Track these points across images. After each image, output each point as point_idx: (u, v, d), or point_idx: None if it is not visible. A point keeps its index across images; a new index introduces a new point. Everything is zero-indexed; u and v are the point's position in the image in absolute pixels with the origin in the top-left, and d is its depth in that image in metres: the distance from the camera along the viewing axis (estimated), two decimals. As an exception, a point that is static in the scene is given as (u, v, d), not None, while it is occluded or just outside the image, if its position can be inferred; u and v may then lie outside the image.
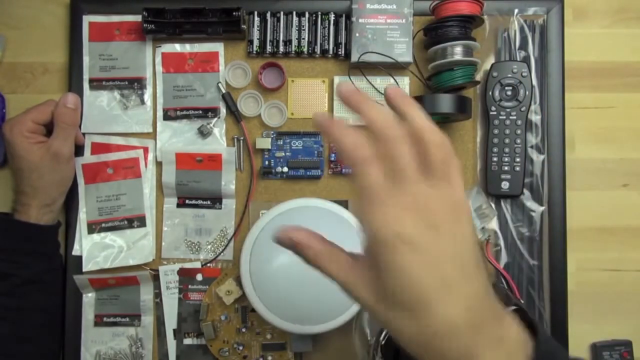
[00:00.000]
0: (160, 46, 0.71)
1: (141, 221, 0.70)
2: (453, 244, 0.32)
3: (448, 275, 0.32)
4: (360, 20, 0.68)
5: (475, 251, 0.34)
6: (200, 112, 0.71)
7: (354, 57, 0.68)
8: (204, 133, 0.70)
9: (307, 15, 0.70)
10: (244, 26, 0.69)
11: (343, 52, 0.70)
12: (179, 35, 0.69)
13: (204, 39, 0.70)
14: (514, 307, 0.59)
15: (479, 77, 0.71)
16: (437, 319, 0.32)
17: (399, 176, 0.33)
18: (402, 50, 0.68)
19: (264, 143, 0.70)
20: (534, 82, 0.70)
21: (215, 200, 0.71)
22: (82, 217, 0.70)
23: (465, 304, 0.32)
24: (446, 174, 0.33)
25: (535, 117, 0.70)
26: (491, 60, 0.71)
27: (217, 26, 0.68)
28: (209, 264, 0.71)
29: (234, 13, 0.68)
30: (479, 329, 0.33)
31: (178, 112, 0.71)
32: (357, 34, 0.68)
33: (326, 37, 0.70)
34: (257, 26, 0.70)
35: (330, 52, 0.70)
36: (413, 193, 0.32)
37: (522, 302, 0.67)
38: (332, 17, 0.70)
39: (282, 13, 0.70)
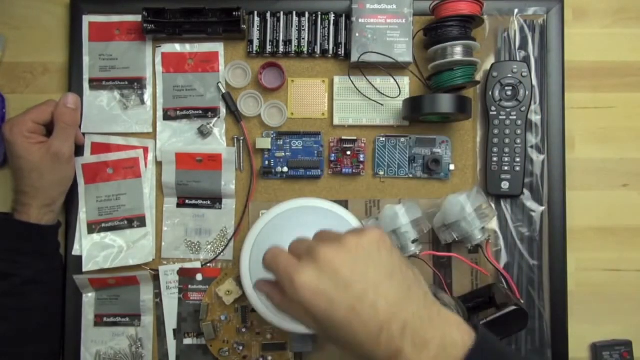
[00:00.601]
0: (160, 46, 0.71)
1: (141, 221, 0.70)
2: (363, 280, 0.40)
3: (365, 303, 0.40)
4: (360, 20, 0.68)
5: (399, 273, 0.41)
6: (200, 112, 0.71)
7: (354, 57, 0.68)
8: (204, 133, 0.70)
9: (307, 15, 0.70)
10: (244, 26, 0.69)
11: (343, 52, 0.70)
12: (178, 35, 0.69)
13: (204, 39, 0.70)
14: (513, 307, 0.60)
15: (479, 77, 0.71)
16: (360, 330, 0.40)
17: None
18: (402, 50, 0.68)
19: (264, 143, 0.70)
20: (534, 82, 0.70)
21: (215, 200, 0.71)
22: (82, 217, 0.70)
23: (388, 318, 0.39)
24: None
25: (535, 117, 0.70)
26: (491, 60, 0.71)
27: (217, 26, 0.68)
28: (209, 264, 0.71)
29: (234, 13, 0.68)
30: (404, 334, 0.39)
31: (178, 112, 0.71)
32: (357, 34, 0.68)
33: (326, 37, 0.70)
34: (257, 26, 0.70)
35: (330, 52, 0.70)
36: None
37: (522, 302, 0.67)
38: (332, 17, 0.70)
39: (282, 13, 0.70)
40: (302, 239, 0.45)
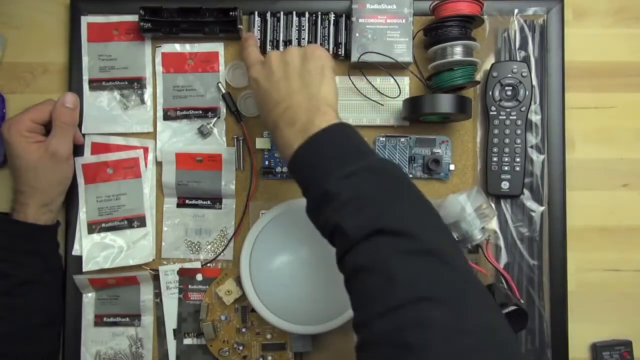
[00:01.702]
0: (160, 46, 0.71)
1: (141, 221, 0.70)
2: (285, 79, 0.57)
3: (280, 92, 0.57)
4: (360, 20, 0.68)
5: (307, 77, 0.56)
6: (200, 112, 0.71)
7: (354, 57, 0.68)
8: (204, 133, 0.70)
9: (307, 15, 0.70)
10: (240, 26, 0.69)
11: (343, 52, 0.70)
12: (175, 34, 0.69)
13: (204, 39, 0.70)
14: (513, 307, 0.60)
15: (479, 77, 0.71)
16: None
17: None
18: (402, 50, 0.68)
19: (264, 143, 0.70)
20: (534, 82, 0.70)
21: (215, 200, 0.71)
22: (82, 217, 0.70)
23: (286, 106, 0.55)
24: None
25: (535, 117, 0.70)
26: (491, 60, 0.71)
27: (213, 26, 0.68)
28: (209, 264, 0.71)
29: (231, 13, 0.68)
30: (285, 113, 0.55)
31: (178, 112, 0.71)
32: (357, 34, 0.68)
33: (326, 37, 0.70)
34: (257, 26, 0.70)
35: (331, 52, 0.70)
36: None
37: (522, 302, 0.67)
38: (332, 17, 0.70)
39: (282, 13, 0.70)
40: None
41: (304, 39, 0.70)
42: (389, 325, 0.40)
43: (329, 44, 0.70)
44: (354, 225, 0.45)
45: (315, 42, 0.70)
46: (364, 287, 0.44)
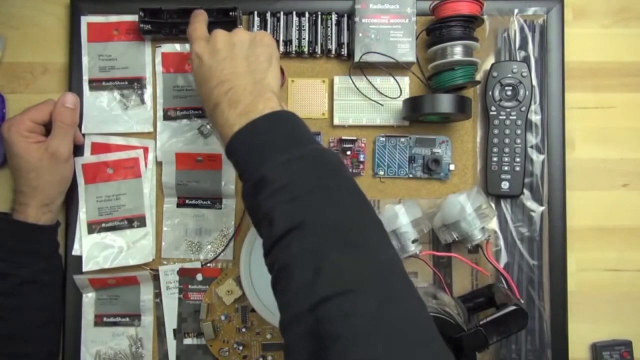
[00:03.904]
0: (160, 46, 0.71)
1: (141, 221, 0.70)
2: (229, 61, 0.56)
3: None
4: (363, 20, 0.68)
5: (253, 61, 0.56)
6: (200, 112, 0.71)
7: (357, 57, 0.68)
8: (204, 133, 0.70)
9: (307, 15, 0.70)
10: (240, 26, 0.69)
11: (346, 52, 0.70)
12: (175, 35, 0.69)
13: (204, 39, 0.70)
14: (513, 307, 0.60)
15: (479, 77, 0.71)
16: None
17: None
18: (406, 50, 0.68)
19: (264, 143, 0.70)
20: (534, 82, 0.70)
21: (215, 200, 0.71)
22: (82, 217, 0.70)
23: (228, 87, 0.54)
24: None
25: (535, 117, 0.70)
26: (491, 60, 0.71)
27: (213, 26, 0.68)
28: (209, 264, 0.71)
29: (231, 13, 0.68)
30: (227, 94, 0.54)
31: (178, 112, 0.71)
32: (360, 34, 0.68)
33: (329, 37, 0.70)
34: (257, 26, 0.70)
35: (333, 52, 0.70)
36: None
37: (522, 302, 0.67)
38: (334, 17, 0.70)
39: (282, 13, 0.70)
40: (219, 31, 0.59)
41: (304, 38, 0.70)
42: (316, 317, 0.40)
43: (332, 43, 0.70)
44: (283, 214, 0.45)
45: (316, 42, 0.70)
46: (291, 283, 0.43)
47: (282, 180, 0.46)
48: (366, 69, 0.69)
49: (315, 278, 0.41)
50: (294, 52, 0.70)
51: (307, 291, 0.42)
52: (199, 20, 0.62)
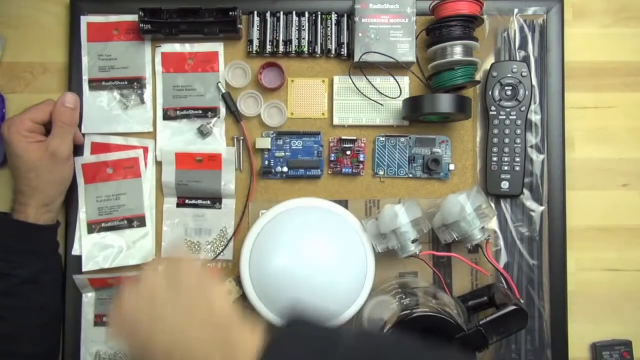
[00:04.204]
0: (160, 46, 0.71)
1: (141, 221, 0.70)
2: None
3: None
4: (363, 20, 0.68)
5: (183, 304, 0.43)
6: (200, 112, 0.71)
7: (357, 57, 0.67)
8: (204, 133, 0.70)
9: (307, 15, 0.70)
10: (240, 26, 0.69)
11: (346, 52, 0.70)
12: (175, 35, 0.69)
13: (203, 39, 0.70)
14: (513, 307, 0.60)
15: (478, 77, 0.71)
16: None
17: None
18: (406, 50, 0.68)
19: (264, 143, 0.70)
20: (534, 82, 0.70)
21: (215, 200, 0.71)
22: (82, 217, 0.70)
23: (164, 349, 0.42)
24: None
25: (535, 117, 0.70)
26: (491, 60, 0.71)
27: (213, 26, 0.68)
28: (209, 264, 0.71)
29: (231, 13, 0.68)
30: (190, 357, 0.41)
31: (178, 112, 0.71)
32: (360, 34, 0.68)
33: (330, 37, 0.70)
34: (257, 26, 0.70)
35: (334, 52, 0.70)
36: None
37: (522, 302, 0.67)
38: (334, 17, 0.70)
39: (282, 13, 0.70)
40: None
41: (304, 38, 0.70)
42: None
43: (332, 43, 0.70)
44: None
45: (316, 42, 0.70)
46: None
47: None
48: (366, 69, 0.69)
49: None
50: (294, 52, 0.70)
51: None
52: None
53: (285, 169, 0.70)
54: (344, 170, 0.70)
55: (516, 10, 0.70)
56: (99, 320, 0.70)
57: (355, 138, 0.70)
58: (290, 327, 0.42)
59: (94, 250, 0.70)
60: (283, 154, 0.71)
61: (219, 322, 0.42)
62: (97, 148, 0.71)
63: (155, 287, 0.44)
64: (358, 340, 0.43)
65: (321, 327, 0.43)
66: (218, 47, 0.71)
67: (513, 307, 0.60)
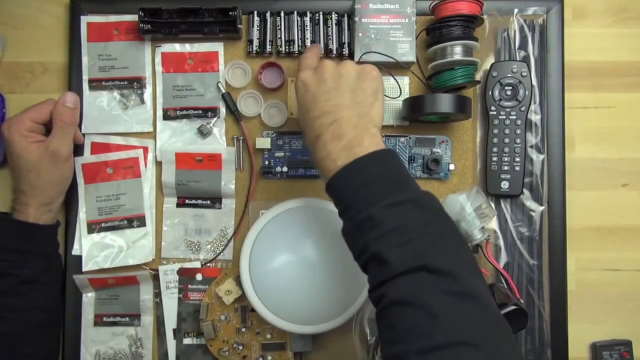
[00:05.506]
0: (160, 46, 0.71)
1: (141, 221, 0.70)
2: (336, 91, 0.56)
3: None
4: (363, 21, 0.68)
5: (360, 94, 0.55)
6: (200, 112, 0.71)
7: (357, 57, 0.67)
8: (204, 133, 0.70)
9: (307, 15, 0.70)
10: (240, 26, 0.69)
11: (347, 51, 0.70)
12: (175, 35, 0.69)
13: (203, 39, 0.70)
14: (513, 307, 0.60)
15: (478, 77, 0.71)
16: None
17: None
18: (406, 50, 0.68)
19: (264, 143, 0.70)
20: (534, 82, 0.70)
21: (215, 200, 0.71)
22: (82, 217, 0.70)
23: (333, 119, 0.54)
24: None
25: (535, 117, 0.70)
26: (491, 60, 0.71)
27: (213, 26, 0.68)
28: (209, 264, 0.71)
29: (231, 13, 0.68)
30: (331, 126, 0.54)
31: (178, 112, 0.71)
32: (360, 34, 0.68)
33: (330, 37, 0.70)
34: (257, 26, 0.70)
35: (334, 52, 0.70)
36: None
37: (522, 302, 0.67)
38: (334, 17, 0.70)
39: (282, 13, 0.70)
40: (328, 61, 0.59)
41: (308, 38, 0.70)
42: None
43: (332, 44, 0.70)
44: (397, 257, 0.46)
45: (319, 42, 0.70)
46: (404, 322, 0.44)
47: (392, 223, 0.47)
48: (366, 69, 0.69)
49: (431, 323, 0.42)
50: (294, 52, 0.70)
51: (419, 334, 0.42)
52: (312, 51, 0.62)
53: (285, 169, 0.70)
54: (344, 170, 0.70)
55: (516, 10, 0.70)
56: (99, 320, 0.71)
57: (355, 138, 0.70)
58: (386, 154, 0.53)
59: (94, 250, 0.70)
60: (283, 154, 0.71)
61: (366, 120, 0.54)
62: (97, 148, 0.71)
63: (350, 72, 0.56)
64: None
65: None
66: (218, 47, 0.71)
67: (513, 307, 0.60)
